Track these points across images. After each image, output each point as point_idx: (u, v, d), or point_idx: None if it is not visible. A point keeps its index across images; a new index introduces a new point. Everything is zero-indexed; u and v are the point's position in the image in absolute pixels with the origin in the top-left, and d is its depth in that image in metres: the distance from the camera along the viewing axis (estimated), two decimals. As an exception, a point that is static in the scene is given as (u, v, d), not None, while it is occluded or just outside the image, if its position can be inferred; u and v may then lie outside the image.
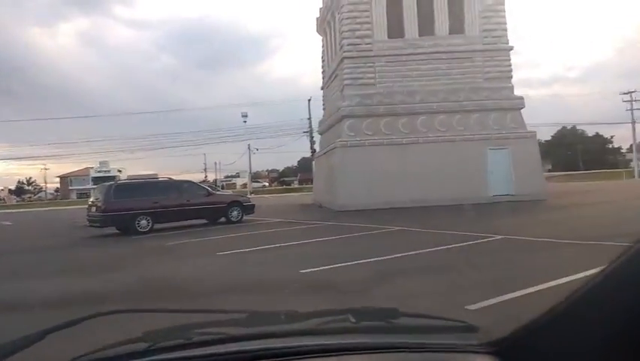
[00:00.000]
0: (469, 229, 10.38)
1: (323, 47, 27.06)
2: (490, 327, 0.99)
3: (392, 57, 20.26)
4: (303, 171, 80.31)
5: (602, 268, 0.67)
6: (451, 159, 19.19)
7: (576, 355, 0.69)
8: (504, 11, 20.64)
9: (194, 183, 17.46)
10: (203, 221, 15.95)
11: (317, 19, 27.32)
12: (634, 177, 47.51)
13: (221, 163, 77.40)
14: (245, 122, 43.76)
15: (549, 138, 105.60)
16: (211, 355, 0.93)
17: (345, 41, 20.53)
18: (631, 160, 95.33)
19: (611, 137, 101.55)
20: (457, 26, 20.56)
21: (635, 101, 49.76)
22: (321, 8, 25.99)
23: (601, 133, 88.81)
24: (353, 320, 1.20)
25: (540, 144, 23.02)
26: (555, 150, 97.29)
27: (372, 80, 20.27)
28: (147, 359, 0.92)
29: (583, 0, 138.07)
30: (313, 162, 32.74)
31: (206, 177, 72.49)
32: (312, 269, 6.99)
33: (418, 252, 8.16)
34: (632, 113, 50.17)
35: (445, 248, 8.39)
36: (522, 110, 20.43)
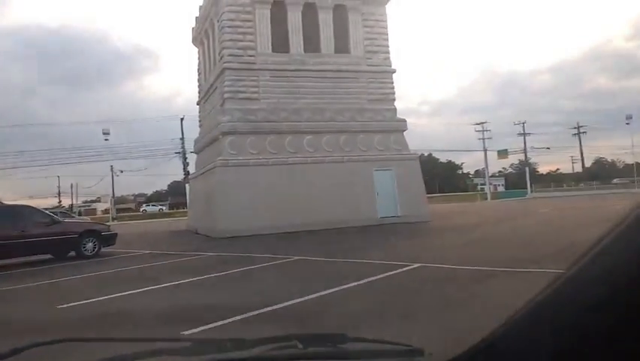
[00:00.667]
0: (380, 257, 9.06)
1: (199, 58, 24.76)
2: (436, 350, 0.96)
3: (277, 72, 18.84)
4: (174, 195, 74.84)
5: (549, 284, 0.63)
6: (338, 180, 18.21)
7: None
8: (387, 34, 20.59)
9: (34, 208, 13.51)
10: (49, 256, 12.55)
11: (193, 29, 25.01)
12: (486, 199, 52.16)
13: (78, 186, 68.19)
14: (106, 139, 38.55)
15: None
16: None
17: (225, 51, 18.62)
18: (477, 184, 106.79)
19: (462, 163, 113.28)
20: (342, 45, 19.93)
21: (487, 131, 55.36)
22: (197, 17, 23.77)
23: (452, 160, 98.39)
24: (300, 346, 1.13)
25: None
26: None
27: (255, 95, 18.58)
28: None
29: (427, 46, 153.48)
30: (187, 185, 29.78)
31: (60, 202, 63.38)
32: (197, 329, 4.85)
33: (342, 287, 6.46)
34: (484, 142, 55.59)
35: (370, 280, 6.84)
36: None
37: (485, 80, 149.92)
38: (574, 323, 0.62)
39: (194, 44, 25.34)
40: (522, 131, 61.14)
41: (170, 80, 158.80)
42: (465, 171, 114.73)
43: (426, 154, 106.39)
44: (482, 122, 55.31)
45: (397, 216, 18.76)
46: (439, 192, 74.98)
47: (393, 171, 19.24)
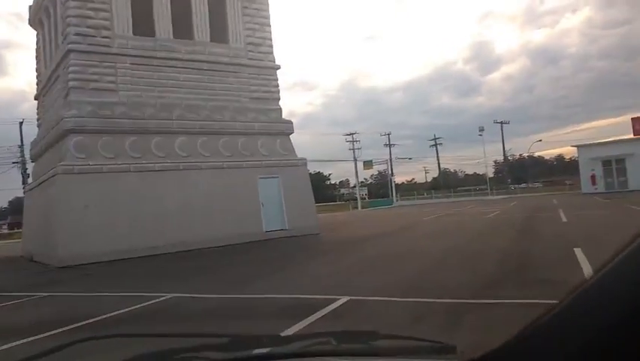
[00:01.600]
0: (296, 287, 6.53)
1: (38, 43, 19.81)
2: (467, 347, 0.93)
3: (140, 59, 15.31)
4: (14, 213, 63.08)
5: (580, 284, 0.63)
6: (217, 189, 15.32)
7: None
8: (269, 26, 18.27)
9: None
10: None
11: (30, 7, 19.99)
12: (357, 208, 52.65)
13: None
14: None
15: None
16: None
17: (71, 30, 14.57)
18: (344, 194, 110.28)
19: (329, 174, 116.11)
20: (220, 34, 17.11)
21: (357, 141, 56.23)
22: (35, -8, 18.98)
23: (321, 171, 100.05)
24: (334, 343, 1.16)
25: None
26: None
27: (112, 85, 14.80)
28: None
29: (291, 60, 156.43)
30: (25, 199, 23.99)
31: None
32: None
33: None
34: (354, 152, 56.31)
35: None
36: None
37: (346, 96, 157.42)
38: (602, 325, 0.61)
39: (32, 26, 20.28)
40: (387, 143, 63.60)
41: (15, 82, 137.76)
42: (332, 182, 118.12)
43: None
44: (352, 133, 56.09)
45: (285, 230, 16.45)
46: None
47: (280, 179, 16.92)
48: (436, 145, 68.74)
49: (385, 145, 65.58)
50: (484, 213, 22.43)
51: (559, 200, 29.81)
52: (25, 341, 4.72)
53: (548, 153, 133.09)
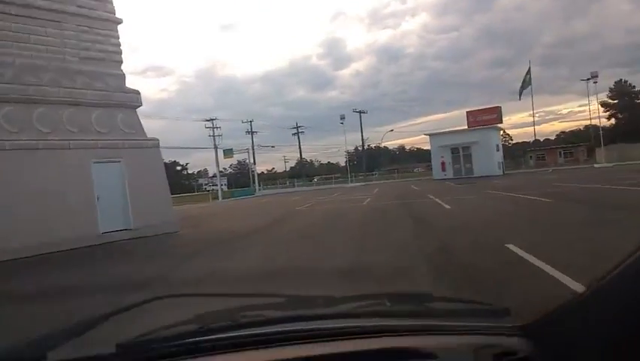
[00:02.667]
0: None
1: None
2: (521, 310, 0.97)
3: None
4: None
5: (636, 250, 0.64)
6: (32, 177, 10.99)
7: (608, 339, 0.68)
8: (106, -35, 14.00)
9: None
10: None
11: None
12: (218, 198, 48.99)
13: None
14: None
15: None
16: (256, 335, 0.97)
17: None
18: (202, 184, 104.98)
19: (186, 164, 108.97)
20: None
21: (217, 127, 52.13)
22: None
23: (177, 160, 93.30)
24: (388, 304, 1.19)
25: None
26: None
27: None
28: (197, 339, 0.96)
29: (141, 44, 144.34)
30: None
31: None
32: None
33: None
34: (214, 140, 52.19)
35: None
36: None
37: (204, 83, 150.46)
38: None
39: None
40: (249, 130, 60.71)
41: None
42: (189, 172, 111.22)
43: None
44: (213, 119, 51.97)
45: (130, 230, 12.70)
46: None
47: (123, 164, 13.04)
48: (298, 134, 67.88)
49: (247, 133, 62.54)
50: (356, 200, 21.10)
51: (418, 186, 30.31)
52: None
53: (392, 143, 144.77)
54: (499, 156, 40.93)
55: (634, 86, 78.52)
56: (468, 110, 42.12)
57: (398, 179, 55.15)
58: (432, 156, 42.05)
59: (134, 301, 1.13)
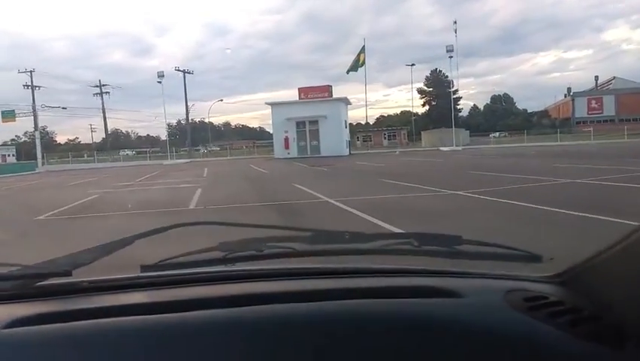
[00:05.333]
0: None
1: None
2: (555, 258, 0.93)
3: None
4: None
5: None
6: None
7: None
8: None
9: None
10: None
11: None
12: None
13: None
14: None
15: None
16: (280, 268, 0.99)
17: None
18: None
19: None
20: None
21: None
22: None
23: None
24: (416, 244, 1.08)
25: None
26: None
27: None
28: (223, 266, 0.97)
29: None
30: None
31: None
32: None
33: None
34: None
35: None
36: None
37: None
38: None
39: None
40: (29, 85, 44.28)
41: None
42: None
43: None
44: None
45: None
46: None
47: None
48: (101, 93, 52.08)
49: (27, 87, 45.64)
50: (176, 190, 11.96)
51: (263, 167, 22.24)
52: None
53: (217, 119, 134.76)
54: (346, 134, 35.32)
55: (446, 76, 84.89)
56: (299, 87, 35.83)
57: (229, 156, 46.02)
58: (273, 130, 34.15)
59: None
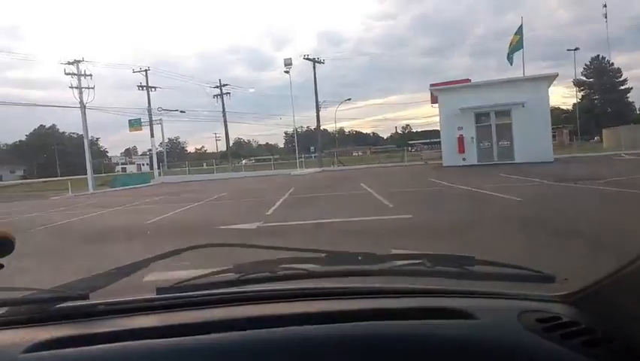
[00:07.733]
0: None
1: None
2: (567, 278, 0.91)
3: None
4: None
5: None
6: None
7: None
8: None
9: None
10: None
11: None
12: (88, 187, 28.72)
13: None
14: None
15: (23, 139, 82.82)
16: (293, 289, 0.97)
17: None
18: (117, 163, 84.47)
19: (97, 139, 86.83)
20: None
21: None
22: None
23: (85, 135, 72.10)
24: (428, 265, 1.09)
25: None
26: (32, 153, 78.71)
27: None
28: (238, 288, 0.96)
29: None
30: None
31: None
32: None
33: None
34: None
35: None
36: None
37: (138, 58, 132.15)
38: None
39: None
40: (143, 84, 39.81)
41: None
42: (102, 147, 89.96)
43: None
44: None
45: None
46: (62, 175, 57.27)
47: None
48: (222, 95, 46.43)
49: (141, 87, 41.40)
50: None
51: (471, 182, 12.47)
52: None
53: (329, 126, 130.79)
54: (550, 130, 23.94)
55: (612, 63, 68.09)
56: (431, 83, 26.01)
57: (374, 163, 36.54)
58: (441, 125, 24.07)
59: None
